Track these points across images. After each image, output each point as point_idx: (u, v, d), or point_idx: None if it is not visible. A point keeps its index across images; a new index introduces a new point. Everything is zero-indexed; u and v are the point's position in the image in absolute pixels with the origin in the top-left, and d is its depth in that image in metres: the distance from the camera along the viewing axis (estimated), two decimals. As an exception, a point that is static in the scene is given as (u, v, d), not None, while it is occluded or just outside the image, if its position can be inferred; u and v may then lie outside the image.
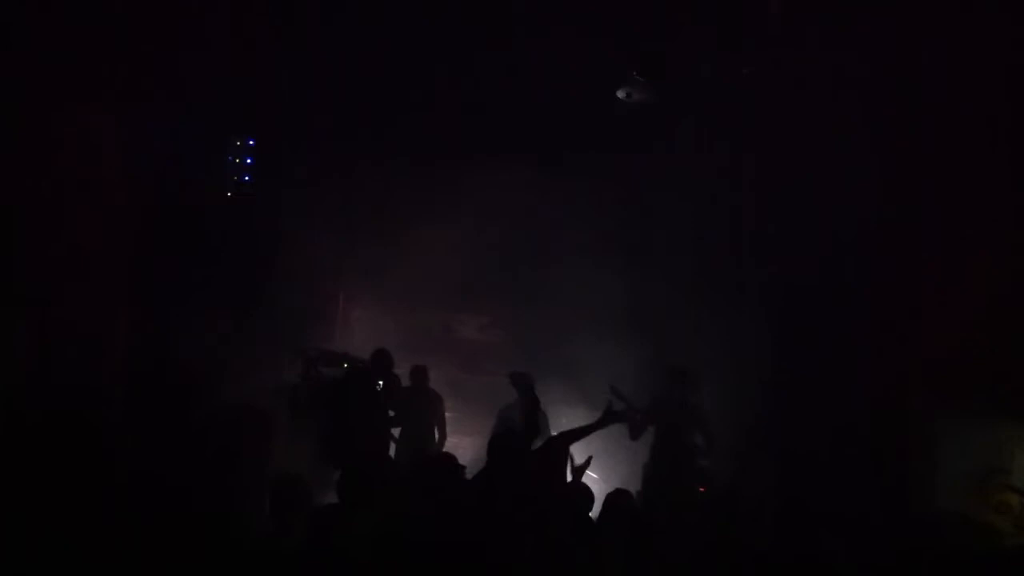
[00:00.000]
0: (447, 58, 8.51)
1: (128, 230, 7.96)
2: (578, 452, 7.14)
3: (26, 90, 6.97)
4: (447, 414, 9.11)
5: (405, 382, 8.96)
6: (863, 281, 8.72)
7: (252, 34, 7.86)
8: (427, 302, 10.53)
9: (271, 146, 9.07)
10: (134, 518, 5.25)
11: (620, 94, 8.90)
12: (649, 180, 9.78)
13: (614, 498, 6.08)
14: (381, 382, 8.07)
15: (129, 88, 7.59)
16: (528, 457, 6.31)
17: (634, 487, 7.73)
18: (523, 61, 8.29)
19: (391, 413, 8.37)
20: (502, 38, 8.27)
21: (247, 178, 8.32)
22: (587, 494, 6.24)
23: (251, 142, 8.32)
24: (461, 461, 9.10)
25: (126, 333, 8.01)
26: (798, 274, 9.05)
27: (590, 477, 7.01)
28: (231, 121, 8.45)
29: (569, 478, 6.85)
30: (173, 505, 5.46)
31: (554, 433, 9.17)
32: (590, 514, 6.15)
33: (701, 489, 7.70)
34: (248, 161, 8.30)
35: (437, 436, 9.00)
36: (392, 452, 8.50)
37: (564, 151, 9.45)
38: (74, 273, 7.58)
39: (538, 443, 6.88)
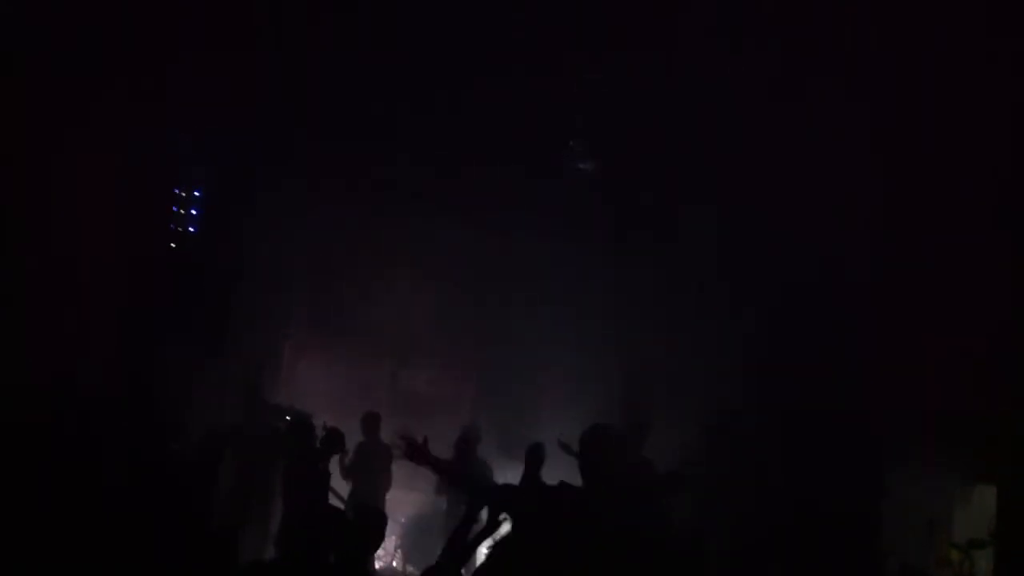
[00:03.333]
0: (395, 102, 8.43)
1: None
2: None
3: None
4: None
5: (355, 431, 8.95)
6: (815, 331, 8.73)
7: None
8: (375, 354, 10.49)
9: (219, 193, 9.01)
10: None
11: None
12: (598, 235, 9.78)
13: None
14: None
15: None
16: None
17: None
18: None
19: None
20: (453, 84, 8.20)
21: (192, 229, 8.27)
22: None
23: (197, 193, 8.29)
24: (400, 516, 9.11)
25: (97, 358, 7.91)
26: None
27: None
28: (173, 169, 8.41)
29: None
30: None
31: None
32: None
33: None
34: (193, 212, 8.27)
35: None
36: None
37: (508, 207, 9.45)
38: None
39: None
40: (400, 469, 9.22)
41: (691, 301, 9.20)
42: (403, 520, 8.79)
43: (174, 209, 8.57)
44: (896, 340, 8.28)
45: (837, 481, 8.28)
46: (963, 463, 8.23)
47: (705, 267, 9.06)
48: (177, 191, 8.66)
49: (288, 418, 8.39)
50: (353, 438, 8.82)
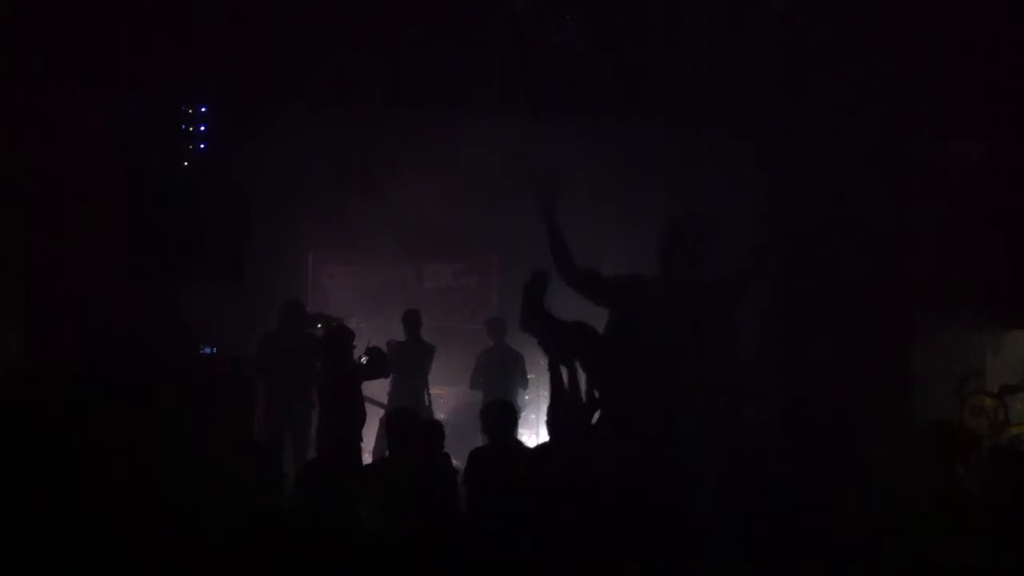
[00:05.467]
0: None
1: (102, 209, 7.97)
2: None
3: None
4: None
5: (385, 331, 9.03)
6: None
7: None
8: (398, 254, 10.51)
9: (226, 109, 8.86)
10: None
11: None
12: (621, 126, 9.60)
13: None
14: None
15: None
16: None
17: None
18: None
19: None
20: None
21: (202, 146, 8.17)
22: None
23: (203, 109, 8.16)
24: (442, 411, 9.29)
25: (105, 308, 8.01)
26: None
27: None
28: (180, 87, 8.27)
29: None
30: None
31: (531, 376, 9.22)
32: None
33: None
34: (202, 129, 8.16)
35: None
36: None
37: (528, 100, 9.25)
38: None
39: None
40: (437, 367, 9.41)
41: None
42: (443, 416, 8.94)
43: (182, 127, 8.44)
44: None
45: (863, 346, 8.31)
46: (992, 311, 8.27)
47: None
48: (183, 108, 8.50)
49: (320, 325, 8.44)
50: (383, 337, 8.94)
